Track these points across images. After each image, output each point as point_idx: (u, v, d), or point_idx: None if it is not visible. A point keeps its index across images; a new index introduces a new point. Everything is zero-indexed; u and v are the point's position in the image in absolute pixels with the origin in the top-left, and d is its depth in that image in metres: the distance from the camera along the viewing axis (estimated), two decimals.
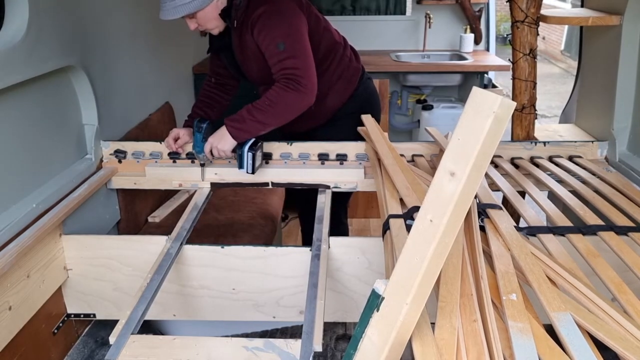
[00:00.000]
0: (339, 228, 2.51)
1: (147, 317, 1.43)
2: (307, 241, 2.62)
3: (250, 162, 1.98)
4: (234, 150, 1.97)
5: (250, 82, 2.15)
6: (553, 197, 1.83)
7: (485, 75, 4.01)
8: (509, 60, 2.40)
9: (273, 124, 1.92)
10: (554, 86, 8.76)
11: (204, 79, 3.31)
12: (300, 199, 2.47)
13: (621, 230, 1.46)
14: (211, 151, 1.98)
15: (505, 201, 1.94)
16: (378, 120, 2.27)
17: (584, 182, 1.90)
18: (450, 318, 0.94)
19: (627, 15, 1.97)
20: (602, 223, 1.50)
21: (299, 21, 1.91)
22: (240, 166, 2.00)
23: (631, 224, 1.51)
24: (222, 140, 1.94)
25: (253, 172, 2.02)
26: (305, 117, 2.09)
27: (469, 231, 1.29)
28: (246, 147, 1.96)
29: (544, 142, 2.17)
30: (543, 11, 2.22)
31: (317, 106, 2.06)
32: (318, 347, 1.25)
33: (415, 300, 0.82)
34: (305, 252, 1.75)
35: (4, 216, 1.60)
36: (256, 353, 1.27)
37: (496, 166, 2.07)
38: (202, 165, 2.12)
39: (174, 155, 2.19)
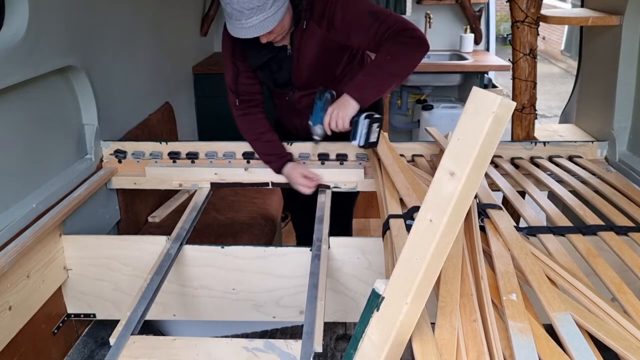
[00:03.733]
0: (347, 228, 2.50)
1: (147, 318, 1.43)
2: (300, 242, 2.61)
3: (364, 131, 1.83)
4: (351, 123, 1.84)
5: (291, 87, 2.01)
6: (553, 197, 1.83)
7: (485, 75, 4.01)
8: (509, 60, 2.40)
9: (395, 81, 1.83)
10: (554, 86, 8.76)
11: (204, 79, 3.28)
12: (292, 199, 2.46)
13: (621, 230, 1.46)
14: (330, 124, 1.85)
15: (505, 201, 1.94)
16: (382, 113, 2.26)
17: (583, 182, 1.90)
18: (450, 318, 0.94)
19: (627, 15, 1.97)
20: (602, 223, 1.50)
21: None
22: (353, 137, 1.85)
23: (631, 224, 1.51)
24: (344, 107, 1.81)
25: (365, 146, 1.86)
26: None
27: (469, 231, 1.29)
28: (362, 115, 1.81)
29: (544, 142, 2.17)
30: (543, 11, 2.22)
31: None
32: (318, 348, 1.25)
33: (415, 300, 0.82)
34: (305, 252, 1.75)
35: (4, 216, 1.60)
36: (256, 354, 1.27)
37: (496, 166, 2.07)
38: (316, 142, 1.98)
39: (174, 156, 2.19)
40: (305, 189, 2.01)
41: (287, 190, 2.20)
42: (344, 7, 1.79)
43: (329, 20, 1.80)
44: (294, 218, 2.70)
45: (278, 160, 2.06)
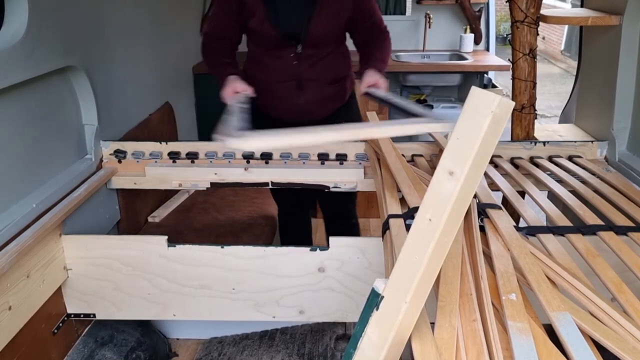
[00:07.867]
0: (352, 228, 2.50)
1: (147, 317, 1.43)
2: (285, 242, 2.60)
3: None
4: None
5: (299, 42, 2.00)
6: (553, 197, 1.83)
7: (485, 75, 4.01)
8: (509, 60, 2.40)
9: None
10: (554, 86, 8.76)
11: (204, 79, 3.28)
12: (282, 201, 2.45)
13: (621, 230, 1.46)
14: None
15: (505, 201, 1.94)
16: None
17: (583, 182, 1.89)
18: (450, 318, 0.94)
19: (627, 15, 1.97)
20: (602, 223, 1.50)
21: None
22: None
23: (631, 224, 1.51)
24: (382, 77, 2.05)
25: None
26: (327, 100, 2.14)
27: (468, 231, 1.29)
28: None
29: (544, 142, 2.17)
30: (543, 11, 2.22)
31: (337, 88, 2.14)
32: None
33: (415, 300, 0.82)
34: (305, 252, 1.75)
35: (4, 216, 1.60)
36: None
37: (496, 166, 2.07)
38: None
39: (174, 156, 2.19)
40: (227, 97, 1.95)
41: (276, 192, 2.19)
42: None
43: None
44: (281, 215, 2.61)
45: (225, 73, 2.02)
